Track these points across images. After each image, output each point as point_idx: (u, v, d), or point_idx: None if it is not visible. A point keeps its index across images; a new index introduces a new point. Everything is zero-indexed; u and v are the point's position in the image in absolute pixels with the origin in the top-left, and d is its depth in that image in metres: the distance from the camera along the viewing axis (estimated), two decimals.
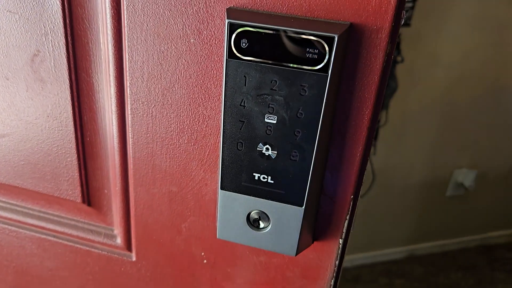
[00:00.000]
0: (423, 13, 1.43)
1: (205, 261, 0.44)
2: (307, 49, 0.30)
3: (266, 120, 0.33)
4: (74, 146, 0.43)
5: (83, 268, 0.50)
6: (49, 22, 0.37)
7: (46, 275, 0.53)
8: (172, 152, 0.39)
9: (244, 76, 0.32)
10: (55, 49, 0.38)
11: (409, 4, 1.40)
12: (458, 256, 2.05)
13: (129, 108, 0.38)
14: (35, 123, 0.43)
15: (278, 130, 0.33)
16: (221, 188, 0.37)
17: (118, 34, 0.36)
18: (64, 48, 0.38)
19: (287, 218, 0.36)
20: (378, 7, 0.29)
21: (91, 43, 0.38)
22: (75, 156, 0.43)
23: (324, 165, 0.36)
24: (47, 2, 0.36)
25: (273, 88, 0.32)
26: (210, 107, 0.36)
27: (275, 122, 0.33)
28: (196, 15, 0.33)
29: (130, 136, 0.40)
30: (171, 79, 0.36)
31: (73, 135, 0.42)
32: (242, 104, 0.33)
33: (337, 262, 0.40)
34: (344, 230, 0.39)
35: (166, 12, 0.33)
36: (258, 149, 0.34)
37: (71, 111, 0.41)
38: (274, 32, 0.30)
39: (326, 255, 0.40)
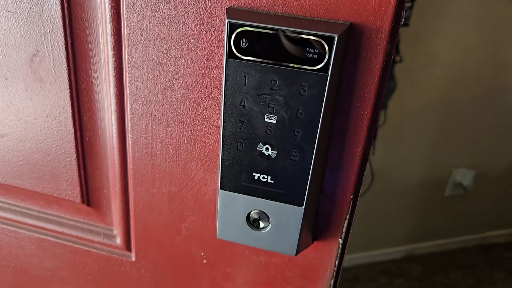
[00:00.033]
0: (422, 13, 1.43)
1: (204, 261, 0.44)
2: (307, 49, 0.30)
3: (266, 120, 0.33)
4: (73, 146, 0.43)
5: (83, 268, 0.50)
6: (48, 22, 0.37)
7: (45, 275, 0.53)
8: (172, 152, 0.39)
9: (244, 76, 0.32)
10: (54, 49, 0.38)
11: (408, 4, 1.40)
12: (457, 256, 2.05)
13: (128, 108, 0.38)
14: (34, 123, 0.43)
15: (278, 130, 0.33)
16: (221, 188, 0.37)
17: (117, 34, 0.36)
18: (64, 48, 0.38)
19: (287, 218, 0.36)
20: (378, 7, 0.29)
21: (90, 43, 0.38)
22: (75, 156, 0.43)
23: (324, 164, 0.36)
24: (46, 2, 0.36)
25: (273, 88, 0.32)
26: (210, 107, 0.36)
27: (275, 122, 0.33)
28: (195, 15, 0.33)
29: (130, 136, 0.40)
30: (171, 79, 0.36)
31: (73, 135, 0.42)
32: (242, 104, 0.33)
33: (337, 262, 0.41)
34: (344, 230, 0.39)
35: (165, 12, 0.33)
36: (258, 149, 0.34)
37: (70, 111, 0.41)
38: (274, 32, 0.30)
39: (326, 254, 0.40)
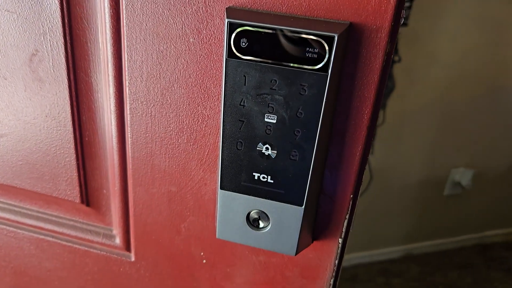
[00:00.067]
0: (421, 13, 1.43)
1: (204, 261, 0.44)
2: (307, 49, 0.30)
3: (265, 119, 0.33)
4: (72, 146, 0.43)
5: (82, 268, 0.50)
6: (48, 21, 0.37)
7: (44, 275, 0.53)
8: (171, 151, 0.39)
9: (244, 75, 0.32)
10: (53, 48, 0.38)
11: (407, 4, 1.40)
12: (455, 255, 2.05)
13: (128, 107, 0.38)
14: (34, 123, 0.42)
15: (278, 129, 0.33)
16: (221, 188, 0.37)
17: (117, 33, 0.36)
18: (63, 48, 0.38)
19: (286, 217, 0.36)
20: (377, 7, 0.29)
21: (89, 42, 0.38)
22: (74, 156, 0.43)
23: (323, 164, 0.36)
24: (46, 2, 0.36)
25: (273, 88, 0.32)
26: (210, 106, 0.36)
27: (275, 121, 0.33)
28: (195, 15, 0.33)
29: (129, 136, 0.40)
30: (170, 78, 0.36)
31: (72, 135, 0.42)
32: (241, 103, 0.33)
33: (336, 262, 0.41)
34: (344, 230, 0.39)
35: (165, 12, 0.33)
36: (257, 148, 0.34)
37: (70, 111, 0.41)
38: (274, 31, 0.30)
39: (326, 254, 0.40)
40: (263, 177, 0.35)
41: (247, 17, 0.30)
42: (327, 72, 0.30)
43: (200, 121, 0.37)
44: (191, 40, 0.34)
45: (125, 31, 0.35)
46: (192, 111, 0.37)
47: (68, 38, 0.38)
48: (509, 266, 2.01)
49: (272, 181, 0.35)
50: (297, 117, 0.32)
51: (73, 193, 0.45)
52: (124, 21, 0.35)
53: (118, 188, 0.44)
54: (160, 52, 0.35)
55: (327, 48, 0.30)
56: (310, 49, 0.30)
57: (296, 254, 0.38)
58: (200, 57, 0.34)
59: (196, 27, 0.33)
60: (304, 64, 0.30)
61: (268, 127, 0.33)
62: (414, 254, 2.05)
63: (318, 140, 0.32)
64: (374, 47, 0.31)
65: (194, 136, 0.38)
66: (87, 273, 0.50)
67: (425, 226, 2.00)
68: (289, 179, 0.35)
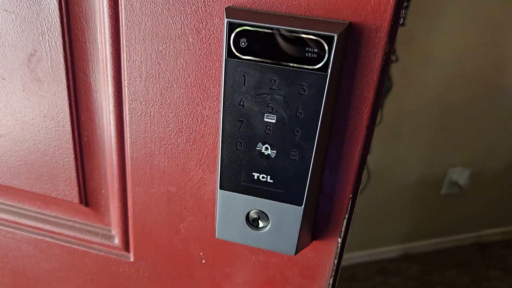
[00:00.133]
0: (418, 13, 1.43)
1: (203, 261, 0.44)
2: (307, 48, 0.30)
3: (265, 119, 0.33)
4: (71, 146, 0.42)
5: (81, 269, 0.50)
6: (46, 21, 0.37)
7: (43, 276, 0.52)
8: (171, 152, 0.39)
9: (243, 75, 0.32)
10: (52, 48, 0.38)
11: (404, 4, 1.40)
12: (453, 254, 2.06)
13: (127, 108, 0.38)
14: (32, 123, 0.42)
15: (278, 129, 0.33)
16: (220, 188, 0.37)
17: (116, 33, 0.36)
18: (61, 48, 0.38)
19: (286, 217, 0.36)
20: (377, 6, 0.29)
21: (88, 42, 0.38)
22: (73, 156, 0.43)
23: (323, 164, 0.36)
24: (44, 1, 0.36)
25: (273, 88, 0.32)
26: (209, 106, 0.36)
27: (274, 121, 0.33)
28: (194, 14, 0.33)
29: (128, 136, 0.40)
30: (170, 78, 0.36)
31: (70, 135, 0.42)
32: (241, 103, 0.33)
33: (336, 261, 0.41)
34: (343, 229, 0.39)
35: (164, 11, 0.33)
36: (257, 148, 0.34)
37: (68, 111, 0.41)
38: (273, 31, 0.30)
39: (325, 254, 0.40)
40: (263, 177, 0.35)
41: (246, 17, 0.30)
42: (326, 72, 0.30)
43: (200, 121, 0.37)
44: (190, 40, 0.34)
45: (124, 31, 0.35)
46: (192, 111, 0.37)
47: (66, 38, 0.37)
48: (507, 265, 2.02)
49: (271, 181, 0.35)
50: (297, 117, 0.32)
51: (72, 193, 0.45)
52: (123, 21, 0.35)
53: (117, 188, 0.43)
54: (159, 52, 0.35)
55: (326, 48, 0.30)
56: (310, 49, 0.30)
57: (295, 253, 0.38)
58: (199, 57, 0.34)
59: (196, 27, 0.33)
60: (303, 64, 0.30)
61: (268, 127, 0.33)
62: (412, 253, 2.05)
63: (317, 140, 0.32)
64: (374, 46, 0.31)
65: (193, 136, 0.38)
66: (86, 273, 0.50)
67: (423, 225, 2.00)
68: (288, 179, 0.35)
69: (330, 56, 0.30)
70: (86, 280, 0.51)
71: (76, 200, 0.46)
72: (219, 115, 0.36)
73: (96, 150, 0.43)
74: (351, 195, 0.37)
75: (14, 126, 0.43)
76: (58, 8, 0.36)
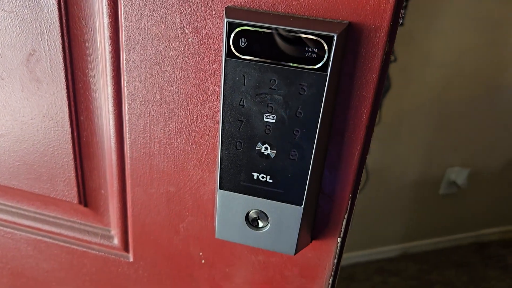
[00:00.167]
0: (416, 12, 1.44)
1: (203, 261, 0.44)
2: (306, 48, 0.30)
3: (265, 119, 0.33)
4: (70, 146, 0.42)
5: (80, 269, 0.50)
6: (45, 21, 0.37)
7: (42, 276, 0.52)
8: (170, 152, 0.39)
9: (243, 75, 0.32)
10: (51, 48, 0.38)
11: (403, 4, 1.40)
12: (452, 254, 2.06)
13: (126, 108, 0.38)
14: (31, 124, 0.42)
15: (277, 129, 0.33)
16: (220, 188, 0.37)
17: (115, 33, 0.36)
18: (60, 48, 0.38)
19: (286, 217, 0.36)
20: (376, 6, 0.29)
21: (87, 42, 0.38)
22: (72, 156, 0.43)
23: (323, 164, 0.36)
24: (43, 1, 0.36)
25: (272, 87, 0.32)
26: (209, 106, 0.36)
27: (274, 121, 0.33)
28: (194, 14, 0.33)
29: (128, 136, 0.40)
30: (169, 78, 0.36)
31: (70, 136, 0.42)
32: (241, 103, 0.33)
33: (335, 261, 0.41)
34: (343, 229, 0.39)
35: (163, 11, 0.33)
36: (257, 148, 0.34)
37: (68, 111, 0.41)
38: (273, 31, 0.30)
39: (325, 254, 0.40)
40: (262, 177, 0.35)
41: (246, 17, 0.30)
42: (326, 71, 0.30)
43: (199, 121, 0.37)
44: (190, 40, 0.34)
45: (123, 31, 0.35)
46: (191, 111, 0.37)
47: (65, 38, 0.37)
48: (506, 264, 2.02)
49: (271, 181, 0.35)
50: (296, 116, 0.32)
51: (71, 193, 0.45)
52: (122, 21, 0.35)
53: (116, 189, 0.43)
54: (159, 52, 0.35)
55: (326, 47, 0.30)
56: (309, 49, 0.30)
57: (295, 253, 0.38)
58: (199, 57, 0.34)
59: (195, 27, 0.33)
60: (303, 64, 0.30)
61: (268, 127, 0.33)
62: (411, 253, 2.05)
63: (317, 140, 0.33)
64: (373, 46, 0.31)
65: (193, 136, 0.38)
66: (85, 274, 0.50)
67: (421, 225, 2.00)
68: (288, 178, 0.35)
69: (329, 56, 0.30)
70: (85, 280, 0.51)
71: (75, 200, 0.46)
72: (218, 115, 0.36)
73: (95, 150, 0.43)
74: (350, 195, 0.37)
75: (13, 126, 0.43)
76: (57, 8, 0.36)
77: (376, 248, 2.01)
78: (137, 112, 0.38)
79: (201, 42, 0.34)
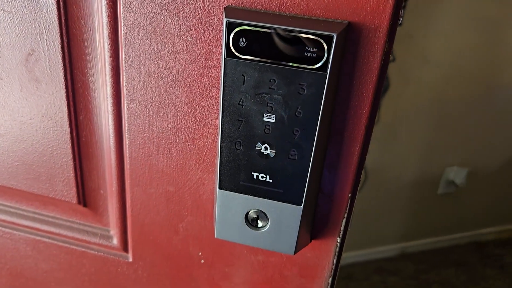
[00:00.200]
0: (415, 12, 1.44)
1: (202, 261, 0.44)
2: (306, 48, 0.30)
3: (264, 119, 0.33)
4: (69, 146, 0.42)
5: (79, 269, 0.50)
6: (44, 21, 0.37)
7: (41, 277, 0.52)
8: (169, 151, 0.39)
9: (243, 75, 0.32)
10: (50, 48, 0.38)
11: (402, 3, 1.40)
12: (450, 253, 2.07)
13: (125, 107, 0.38)
14: (30, 124, 0.42)
15: (277, 129, 0.33)
16: (219, 188, 0.37)
17: (114, 33, 0.36)
18: (59, 47, 0.38)
19: (285, 217, 0.36)
20: (376, 6, 0.29)
21: (86, 42, 0.38)
22: (71, 156, 0.43)
23: (322, 163, 0.36)
24: (42, 1, 0.36)
25: (272, 87, 0.32)
26: (208, 106, 0.36)
27: (273, 121, 0.33)
28: (193, 14, 0.33)
29: (127, 136, 0.40)
30: (168, 78, 0.36)
31: (69, 135, 0.42)
32: (240, 103, 0.33)
33: (334, 261, 0.41)
34: (342, 229, 0.39)
35: (163, 11, 0.33)
36: (256, 148, 0.34)
37: (67, 111, 0.41)
38: (273, 31, 0.30)
39: (324, 253, 0.40)
40: (262, 177, 0.35)
41: (245, 17, 0.30)
42: (325, 71, 0.30)
43: (199, 120, 0.37)
44: (189, 39, 0.34)
45: (122, 31, 0.35)
46: (190, 111, 0.37)
47: (64, 37, 0.37)
48: (504, 263, 2.03)
49: (271, 181, 0.35)
50: (296, 116, 0.32)
51: (70, 193, 0.45)
52: (122, 21, 0.35)
53: (116, 189, 0.43)
54: (158, 51, 0.35)
55: (325, 47, 0.30)
56: (309, 49, 0.30)
57: (294, 253, 0.38)
58: (198, 56, 0.34)
59: (194, 27, 0.33)
60: (302, 64, 0.30)
61: (267, 127, 0.33)
62: (410, 252, 2.06)
63: (316, 140, 0.33)
64: (373, 46, 0.31)
65: (192, 136, 0.38)
66: (84, 274, 0.50)
67: (420, 224, 2.01)
68: (288, 178, 0.35)
69: (329, 55, 0.30)
70: (85, 280, 0.51)
71: (74, 201, 0.45)
72: (218, 115, 0.36)
73: (95, 150, 0.43)
74: (350, 195, 0.37)
75: (12, 126, 0.43)
76: (56, 8, 0.36)
77: (375, 248, 2.01)
78: (136, 112, 0.38)
79: (201, 41, 0.34)
